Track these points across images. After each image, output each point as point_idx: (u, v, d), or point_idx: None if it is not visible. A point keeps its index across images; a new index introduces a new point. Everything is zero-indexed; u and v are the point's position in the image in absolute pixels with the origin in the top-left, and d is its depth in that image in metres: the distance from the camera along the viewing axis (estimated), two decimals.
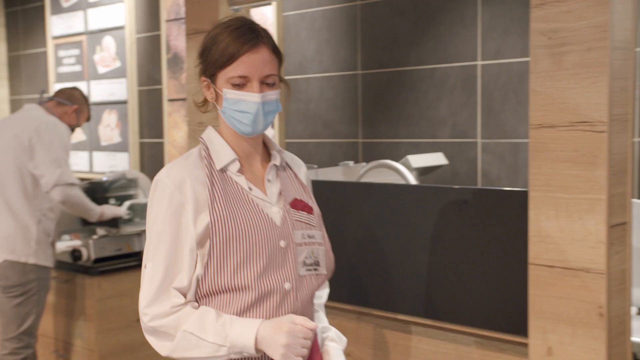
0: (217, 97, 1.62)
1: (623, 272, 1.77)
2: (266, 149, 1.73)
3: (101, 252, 3.69)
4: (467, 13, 3.16)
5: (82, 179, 4.37)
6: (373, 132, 3.59)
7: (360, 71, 3.59)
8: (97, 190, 3.80)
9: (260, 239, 1.58)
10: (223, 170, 1.63)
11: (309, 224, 1.68)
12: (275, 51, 1.62)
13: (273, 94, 1.61)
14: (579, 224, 1.73)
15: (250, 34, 1.58)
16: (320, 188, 2.26)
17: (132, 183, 3.94)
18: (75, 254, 3.69)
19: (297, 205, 1.68)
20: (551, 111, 1.75)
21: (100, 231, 3.81)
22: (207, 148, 1.65)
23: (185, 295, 1.59)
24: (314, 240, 1.67)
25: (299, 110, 3.89)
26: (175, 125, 4.40)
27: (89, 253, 3.66)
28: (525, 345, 1.88)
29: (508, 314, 1.97)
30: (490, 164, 3.14)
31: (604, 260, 1.70)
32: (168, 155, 4.46)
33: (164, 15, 4.40)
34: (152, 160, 4.62)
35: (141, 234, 3.82)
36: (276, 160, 1.70)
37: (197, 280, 1.59)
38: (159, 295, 1.58)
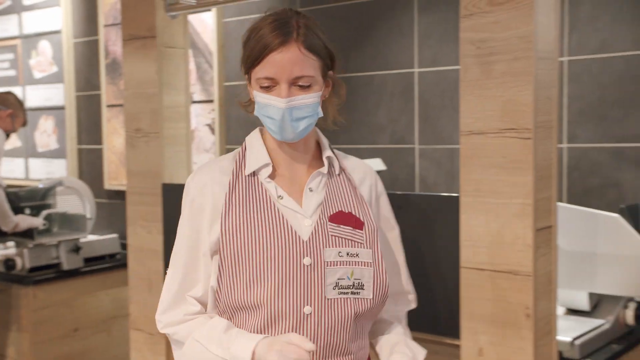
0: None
1: (549, 274, 1.83)
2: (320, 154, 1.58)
3: (36, 260, 3.61)
4: (404, 21, 3.22)
5: (10, 186, 4.26)
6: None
7: None
8: (13, 200, 3.61)
9: (277, 254, 1.42)
10: (254, 174, 1.51)
11: (353, 240, 1.48)
12: (314, 49, 1.45)
13: (306, 98, 1.44)
14: (507, 228, 1.78)
15: (282, 29, 1.42)
16: None
17: (49, 192, 3.79)
18: (8, 263, 3.59)
19: (340, 218, 1.49)
20: (480, 118, 1.80)
21: (10, 243, 3.70)
22: (245, 150, 1.54)
23: (203, 305, 1.51)
24: (356, 260, 1.47)
25: (239, 116, 3.89)
26: (114, 132, 4.34)
27: (23, 262, 3.58)
28: (457, 346, 1.93)
29: (441, 317, 2.01)
30: (427, 170, 3.19)
31: (531, 263, 1.76)
32: (107, 162, 4.39)
33: (102, 20, 4.34)
34: (90, 166, 4.54)
35: (59, 244, 3.70)
36: (324, 168, 1.54)
37: (215, 293, 1.49)
38: (174, 302, 1.51)
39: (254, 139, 1.55)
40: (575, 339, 2.12)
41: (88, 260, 3.86)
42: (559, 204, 2.35)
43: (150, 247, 2.65)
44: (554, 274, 1.85)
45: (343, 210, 1.50)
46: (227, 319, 1.48)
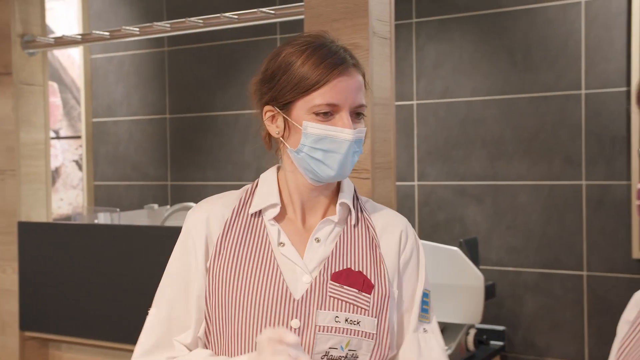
0: (290, 132, 1.29)
1: None
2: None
3: None
4: None
5: None
6: (182, 175, 3.65)
7: (169, 115, 3.65)
8: None
9: (262, 312, 1.25)
10: (259, 215, 1.33)
11: (356, 305, 1.26)
12: (364, 78, 1.33)
13: (363, 131, 1.30)
14: None
15: (340, 54, 1.28)
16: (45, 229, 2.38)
17: None
18: None
19: (345, 277, 1.28)
20: None
21: None
22: (255, 187, 1.37)
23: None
24: (356, 328, 1.26)
25: (107, 152, 3.87)
26: None
27: None
28: None
29: None
30: None
31: None
32: None
33: None
34: None
35: None
36: (335, 216, 1.33)
37: (204, 345, 1.32)
38: (156, 347, 1.32)
39: (268, 176, 1.37)
40: None
41: None
42: None
43: (4, 287, 2.58)
44: None
45: (352, 268, 1.29)
46: None
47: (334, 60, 1.26)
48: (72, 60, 3.87)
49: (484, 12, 2.90)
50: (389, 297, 1.29)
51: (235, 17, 2.17)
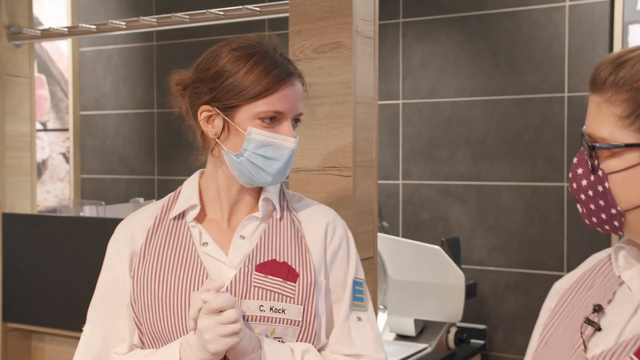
0: (229, 134, 1.30)
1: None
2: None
3: None
4: None
5: None
6: (169, 169, 3.65)
7: (157, 109, 3.66)
8: None
9: (188, 306, 1.26)
10: (181, 217, 1.35)
11: (281, 294, 1.28)
12: (304, 86, 1.37)
13: (297, 138, 1.33)
14: None
15: (287, 64, 1.31)
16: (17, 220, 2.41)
17: None
18: None
19: (269, 268, 1.30)
20: (306, 156, 1.94)
21: None
22: (178, 193, 1.39)
23: None
24: (281, 316, 1.28)
25: (95, 146, 3.87)
26: None
27: None
28: None
29: None
30: None
31: None
32: None
33: None
34: None
35: None
36: (258, 212, 1.35)
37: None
38: (96, 358, 1.34)
39: (189, 182, 1.40)
40: None
41: None
42: (388, 236, 2.54)
43: None
44: (374, 302, 2.00)
45: (277, 259, 1.32)
46: None
47: (281, 70, 1.28)
48: (60, 52, 3.87)
49: (469, 13, 2.92)
50: (314, 285, 1.31)
51: (221, 13, 2.18)
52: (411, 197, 3.03)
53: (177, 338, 1.27)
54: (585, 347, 0.97)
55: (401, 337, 2.55)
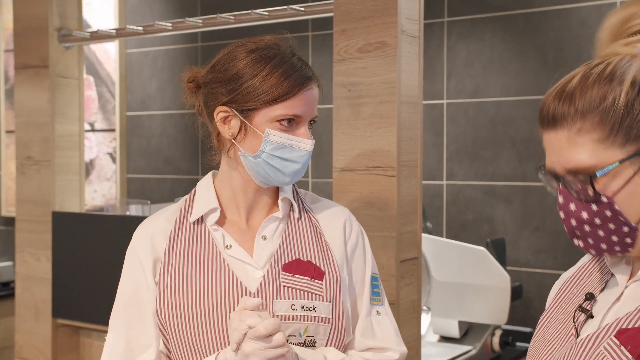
0: (246, 135, 1.31)
1: (413, 303, 1.96)
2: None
3: None
4: None
5: None
6: (213, 169, 3.69)
7: None
8: None
9: (221, 311, 1.27)
10: (200, 222, 1.35)
11: (310, 292, 1.30)
12: (320, 88, 1.37)
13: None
14: (375, 259, 1.91)
15: (305, 67, 1.32)
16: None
17: None
18: None
19: (296, 267, 1.32)
20: (350, 156, 1.94)
21: None
22: (193, 196, 1.39)
23: None
24: (312, 314, 1.29)
25: (141, 146, 3.93)
26: (12, 157, 4.28)
27: None
28: None
29: None
30: None
31: (395, 291, 1.88)
32: (4, 188, 4.32)
33: (2, 45, 4.30)
34: None
35: None
36: (279, 212, 1.37)
37: (166, 357, 1.33)
38: None
39: (204, 183, 1.40)
40: None
41: None
42: (432, 236, 2.52)
43: (38, 275, 2.65)
44: (418, 302, 1.99)
45: (301, 258, 1.34)
46: None
47: (300, 74, 1.29)
48: (108, 54, 3.94)
49: (516, 12, 2.88)
50: (340, 281, 1.34)
51: (266, 13, 2.19)
52: (455, 198, 3.00)
53: (206, 343, 1.27)
54: (578, 333, 1.01)
55: (445, 338, 2.53)
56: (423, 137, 3.01)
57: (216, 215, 1.35)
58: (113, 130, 3.98)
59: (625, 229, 0.96)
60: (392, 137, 1.87)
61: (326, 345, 1.31)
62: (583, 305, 1.05)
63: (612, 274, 1.05)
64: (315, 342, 1.30)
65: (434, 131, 3.05)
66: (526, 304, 2.84)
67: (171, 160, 3.84)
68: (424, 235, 2.46)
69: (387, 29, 1.86)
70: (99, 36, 2.55)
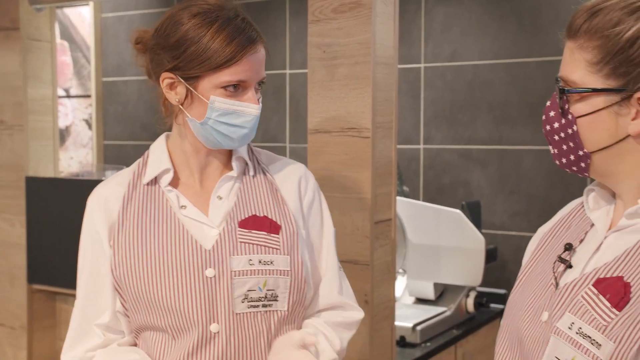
0: (192, 102, 1.29)
1: (387, 264, 1.98)
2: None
3: None
4: (277, 24, 3.33)
5: None
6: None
7: None
8: None
9: (175, 268, 1.27)
10: (154, 183, 1.35)
11: (267, 246, 1.31)
12: (266, 50, 1.35)
13: (261, 101, 1.33)
14: (349, 220, 1.91)
15: (249, 30, 1.29)
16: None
17: None
18: None
19: (252, 223, 1.33)
20: (325, 118, 1.93)
21: None
22: (147, 158, 1.39)
23: (118, 331, 1.34)
24: (271, 268, 1.30)
25: (117, 112, 3.89)
26: None
27: None
28: None
29: None
30: None
31: (369, 252, 1.89)
32: None
33: None
34: None
35: None
36: (233, 172, 1.37)
37: (124, 316, 1.34)
38: (77, 338, 1.33)
39: (157, 145, 1.39)
40: (416, 324, 2.28)
41: None
42: (408, 200, 2.53)
43: (12, 241, 2.63)
44: (392, 264, 2.00)
45: (257, 214, 1.35)
46: (136, 339, 1.35)
47: (244, 38, 1.27)
48: (82, 18, 3.88)
49: None
50: (297, 234, 1.35)
51: None
52: (432, 162, 3.01)
53: (162, 301, 1.27)
54: (557, 283, 1.04)
55: (420, 300, 2.56)
56: (400, 102, 3.01)
57: (169, 176, 1.35)
58: (89, 96, 3.93)
59: (580, 152, 1.01)
60: (367, 99, 1.86)
61: (288, 299, 1.32)
62: (562, 256, 1.07)
63: (592, 225, 1.08)
64: (277, 296, 1.31)
65: (411, 95, 3.04)
66: (501, 266, 2.87)
67: (148, 127, 3.81)
68: (400, 198, 2.47)
69: None
70: None
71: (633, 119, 0.96)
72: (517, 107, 2.84)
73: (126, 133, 3.88)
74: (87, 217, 1.37)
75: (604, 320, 0.94)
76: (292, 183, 1.42)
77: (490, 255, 2.56)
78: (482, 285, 2.54)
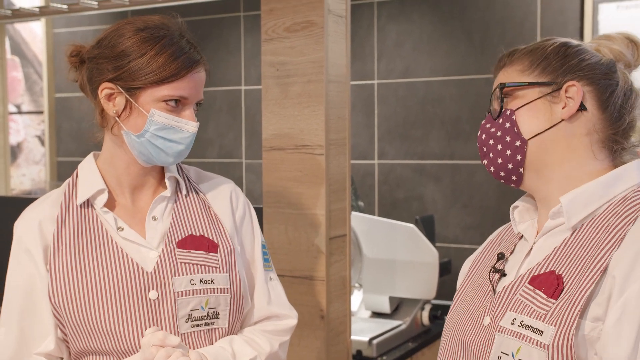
0: (130, 114, 1.29)
1: (343, 279, 2.00)
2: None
3: None
4: (231, 40, 3.34)
5: None
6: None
7: None
8: None
9: (118, 292, 1.27)
10: (88, 205, 1.34)
11: (207, 265, 1.33)
12: (207, 72, 1.38)
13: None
14: (304, 236, 1.93)
15: (193, 51, 1.32)
16: None
17: None
18: None
19: (190, 243, 1.34)
20: (279, 135, 1.95)
21: None
22: (76, 178, 1.37)
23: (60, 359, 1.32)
24: (211, 286, 1.32)
25: (71, 128, 3.85)
26: None
27: None
28: None
29: None
30: (254, 183, 3.33)
31: (324, 268, 1.91)
32: None
33: None
34: None
35: None
36: (167, 191, 1.38)
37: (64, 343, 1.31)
38: None
39: (86, 165, 1.39)
40: (372, 338, 2.31)
41: None
42: (363, 215, 2.56)
43: None
44: (347, 279, 2.02)
45: (194, 233, 1.36)
46: None
47: (188, 57, 1.29)
48: (34, 34, 3.83)
49: None
50: (234, 251, 1.39)
51: None
52: (387, 177, 3.05)
53: (104, 326, 1.26)
54: (495, 289, 1.12)
55: (376, 314, 2.58)
56: (355, 117, 3.05)
57: (104, 197, 1.34)
58: (41, 112, 3.88)
59: (518, 142, 1.10)
60: (320, 116, 1.89)
61: (228, 316, 1.35)
62: (496, 266, 1.15)
63: (520, 237, 1.16)
64: (219, 314, 1.33)
65: (365, 111, 3.08)
66: (455, 279, 2.90)
67: (102, 143, 3.77)
68: (355, 213, 2.50)
69: (314, 9, 1.87)
70: (21, 14, 2.48)
71: (563, 108, 1.08)
72: (468, 122, 2.91)
73: (80, 150, 3.84)
74: (19, 242, 1.32)
75: (543, 309, 1.00)
76: (224, 199, 1.44)
77: (445, 269, 2.60)
78: (436, 298, 2.58)
